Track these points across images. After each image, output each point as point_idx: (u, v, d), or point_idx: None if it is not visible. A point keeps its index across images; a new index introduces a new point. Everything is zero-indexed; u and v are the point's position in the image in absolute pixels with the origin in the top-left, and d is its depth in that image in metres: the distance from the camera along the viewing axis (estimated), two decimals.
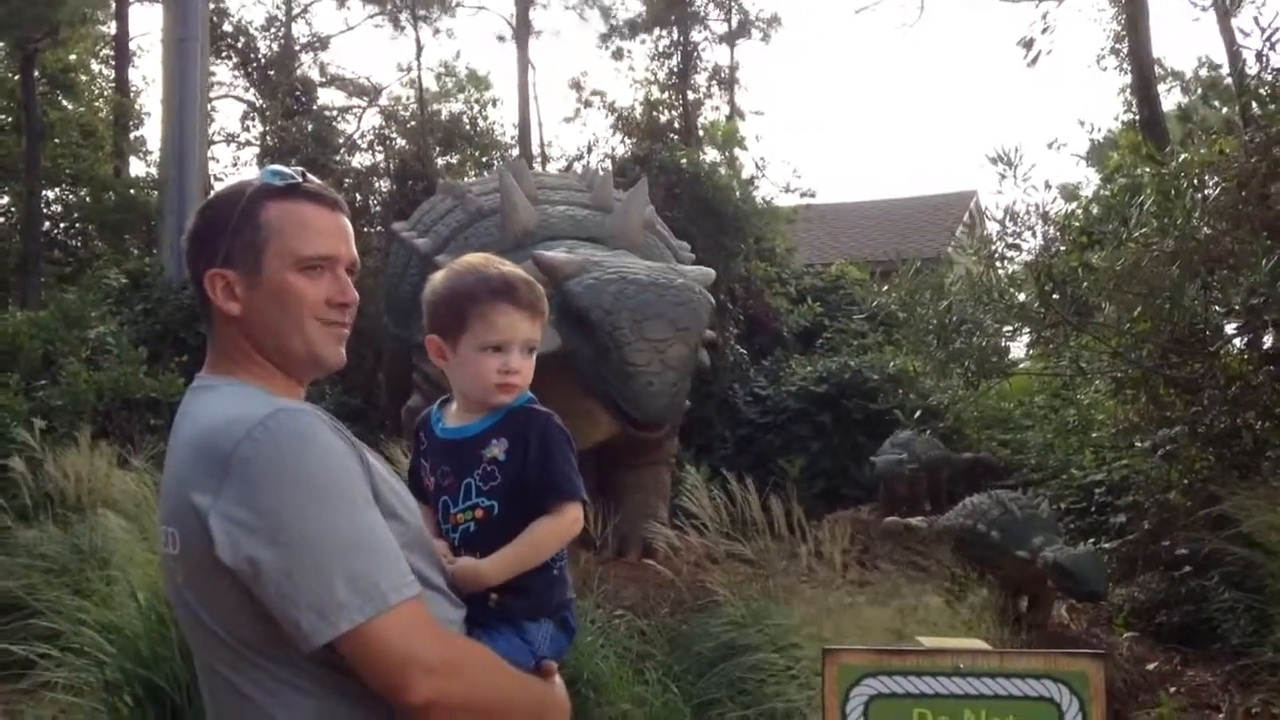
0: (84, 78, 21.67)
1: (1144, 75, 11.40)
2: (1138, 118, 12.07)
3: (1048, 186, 7.63)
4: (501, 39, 22.74)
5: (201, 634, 1.63)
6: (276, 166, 1.79)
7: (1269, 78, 6.79)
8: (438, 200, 8.53)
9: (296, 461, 1.53)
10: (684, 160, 13.39)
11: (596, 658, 4.69)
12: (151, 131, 21.93)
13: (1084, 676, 2.38)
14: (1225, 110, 6.66)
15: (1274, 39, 6.67)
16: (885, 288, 8.12)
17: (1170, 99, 10.57)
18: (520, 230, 6.81)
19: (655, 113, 18.78)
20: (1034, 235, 7.45)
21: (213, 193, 1.90)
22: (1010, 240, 7.62)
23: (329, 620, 1.49)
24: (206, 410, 1.64)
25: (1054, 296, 6.92)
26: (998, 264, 7.66)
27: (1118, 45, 10.75)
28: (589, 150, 17.30)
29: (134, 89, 20.98)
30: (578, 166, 15.93)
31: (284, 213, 1.72)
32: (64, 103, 20.18)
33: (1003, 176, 7.37)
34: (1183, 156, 7.12)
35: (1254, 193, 6.31)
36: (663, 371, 5.62)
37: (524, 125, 20.47)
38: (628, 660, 4.88)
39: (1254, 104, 6.50)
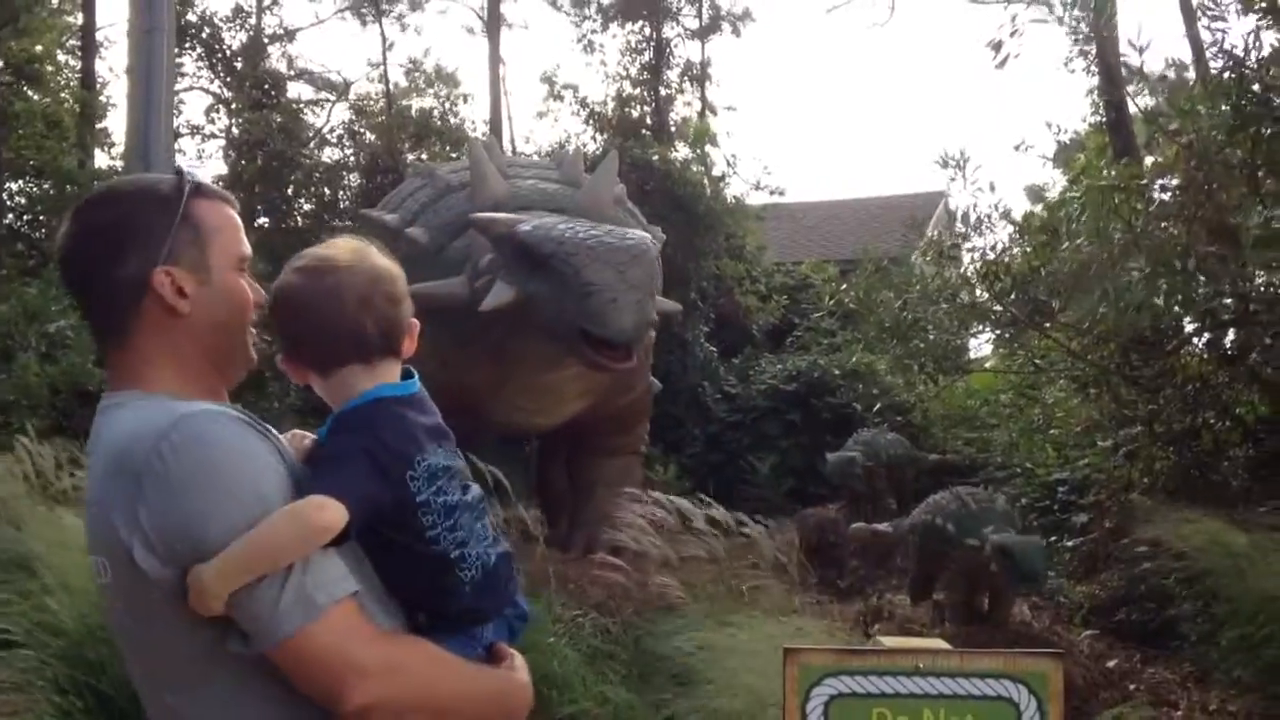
0: (50, 68, 21.38)
1: (1110, 75, 11.49)
2: (1104, 120, 12.17)
3: (992, 188, 7.74)
4: (470, 31, 22.59)
5: (146, 661, 1.57)
6: (186, 165, 1.75)
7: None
8: (407, 183, 8.47)
9: (210, 467, 1.45)
10: (656, 157, 13.40)
11: (559, 657, 4.68)
12: (117, 123, 21.68)
13: (1043, 677, 2.39)
14: (1175, 119, 6.71)
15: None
16: (844, 286, 8.18)
17: (1139, 101, 10.61)
18: (491, 201, 6.75)
19: (627, 108, 18.77)
20: (981, 235, 7.55)
21: (103, 188, 1.77)
22: (956, 240, 7.71)
23: (261, 634, 1.43)
24: (116, 428, 1.55)
25: (1011, 296, 7.00)
26: (949, 264, 7.73)
27: (1085, 48, 10.79)
28: (560, 147, 17.27)
29: (100, 80, 20.72)
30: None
31: (214, 211, 1.68)
32: (29, 93, 19.91)
33: (952, 179, 7.48)
34: (1123, 162, 7.22)
35: (1199, 196, 6.39)
36: (625, 290, 5.49)
37: (495, 120, 20.39)
38: (591, 659, 4.87)
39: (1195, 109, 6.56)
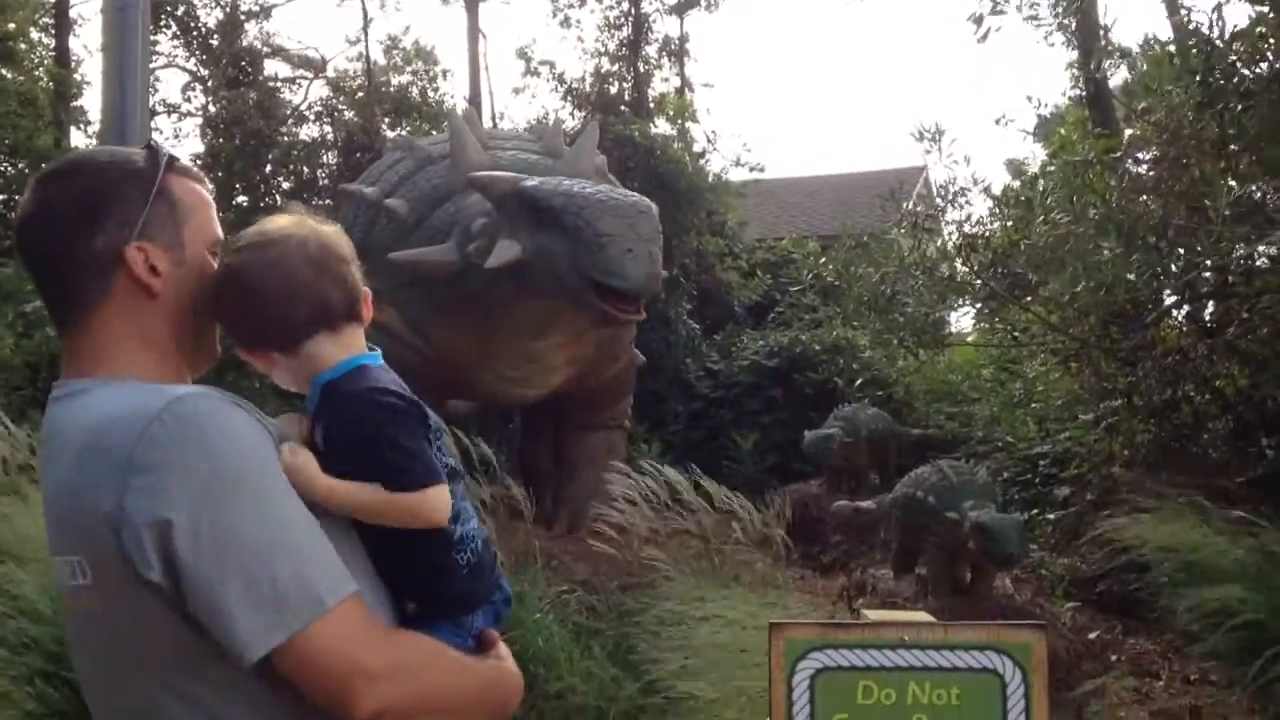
0: (23, 46, 21.12)
1: (1090, 50, 11.49)
2: (1084, 94, 12.19)
3: (967, 161, 7.77)
4: (445, 1, 22.31)
5: (128, 669, 1.44)
6: (158, 139, 1.67)
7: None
8: (386, 156, 8.42)
9: (206, 455, 1.35)
10: (636, 133, 13.35)
11: (545, 633, 4.70)
12: (92, 102, 21.50)
13: (1027, 648, 2.41)
14: (1145, 98, 6.75)
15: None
16: (824, 260, 8.20)
17: (1118, 74, 10.62)
18: (470, 171, 6.73)
19: (606, 84, 18.67)
20: (958, 208, 7.58)
21: (72, 158, 1.63)
22: (933, 213, 7.74)
23: (262, 634, 1.33)
24: (86, 415, 1.44)
25: (990, 270, 7.04)
26: (926, 237, 7.76)
27: (1065, 21, 10.79)
28: (539, 123, 17.17)
29: (75, 58, 20.48)
30: None
31: (189, 189, 1.60)
32: (2, 71, 19.67)
33: (928, 152, 7.51)
34: (1095, 132, 7.25)
35: (1174, 170, 6.43)
36: (637, 241, 5.42)
37: (475, 96, 20.26)
38: (577, 636, 4.89)
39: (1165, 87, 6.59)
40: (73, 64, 20.18)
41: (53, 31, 20.68)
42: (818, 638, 2.46)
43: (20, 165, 18.72)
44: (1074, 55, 11.31)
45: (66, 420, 1.47)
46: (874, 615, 2.69)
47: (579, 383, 7.07)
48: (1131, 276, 6.07)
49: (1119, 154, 7.01)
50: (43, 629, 4.27)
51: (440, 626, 1.57)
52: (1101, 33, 8.76)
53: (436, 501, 1.51)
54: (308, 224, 1.60)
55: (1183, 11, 6.91)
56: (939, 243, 7.74)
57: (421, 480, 1.50)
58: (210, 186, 1.66)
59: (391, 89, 19.34)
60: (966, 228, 7.45)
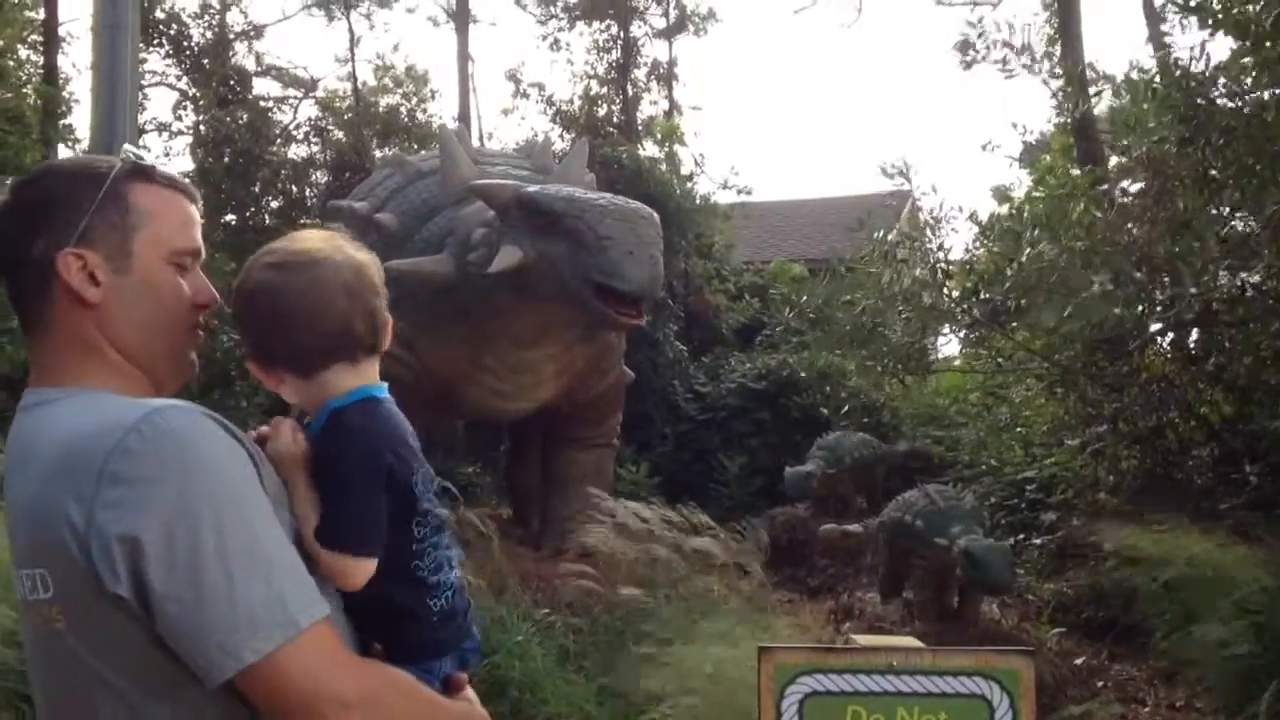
0: (11, 63, 21.10)
1: (1075, 79, 11.60)
2: (1069, 121, 12.30)
3: (935, 191, 7.81)
4: (434, 22, 22.38)
5: (88, 687, 1.38)
6: (131, 147, 1.58)
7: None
8: (376, 173, 8.44)
9: (182, 468, 1.31)
10: (625, 155, 13.40)
11: (528, 657, 4.67)
12: (81, 119, 21.38)
13: (1015, 674, 2.42)
14: (1127, 133, 6.82)
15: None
16: (804, 296, 8.21)
17: (1103, 103, 10.72)
18: (460, 186, 6.74)
19: (594, 107, 18.75)
20: (938, 237, 7.62)
21: (41, 166, 1.59)
22: (907, 243, 7.79)
23: (232, 653, 1.29)
24: (58, 425, 1.40)
25: (973, 298, 7.07)
26: (903, 267, 7.79)
27: (1050, 49, 10.89)
28: (529, 143, 17.21)
29: (64, 76, 20.44)
30: None
31: (154, 197, 1.53)
32: None
33: (898, 187, 7.56)
34: (1086, 169, 7.32)
35: (1159, 199, 6.49)
36: (639, 243, 5.43)
37: (464, 117, 20.30)
38: (562, 659, 4.86)
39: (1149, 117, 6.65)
40: (61, 81, 20.14)
41: (41, 49, 20.64)
42: (806, 662, 2.46)
43: (7, 181, 18.66)
44: (1059, 83, 11.42)
45: (33, 431, 1.43)
46: (863, 640, 2.70)
47: (568, 397, 7.06)
48: (1118, 310, 6.11)
49: (1105, 185, 7.07)
50: (20, 651, 4.23)
51: (407, 669, 1.54)
52: (1083, 69, 8.87)
53: (341, 568, 1.46)
54: (342, 247, 1.56)
55: (1166, 44, 7.00)
56: (918, 271, 7.77)
57: (338, 541, 1.46)
58: (194, 197, 1.60)
59: (381, 109, 19.36)
60: (947, 256, 7.48)
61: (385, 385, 1.60)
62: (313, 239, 1.57)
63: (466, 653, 1.68)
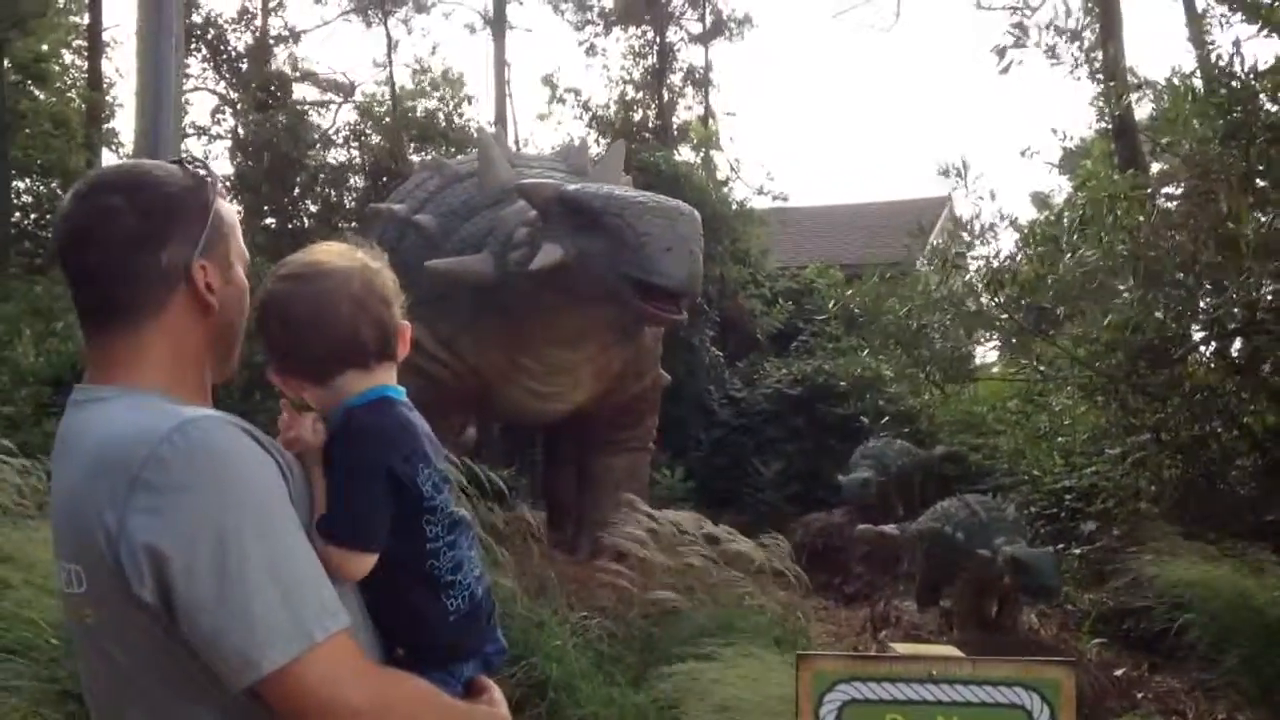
0: (56, 68, 21.42)
1: (1115, 84, 11.49)
2: (1109, 126, 12.18)
3: (993, 196, 7.74)
4: (471, 29, 22.51)
5: (116, 681, 1.45)
6: (198, 158, 1.65)
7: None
8: (415, 176, 8.50)
9: (213, 480, 1.36)
10: (661, 161, 13.41)
11: (567, 660, 4.68)
12: (124, 124, 21.72)
13: (1056, 684, 2.39)
14: (1168, 133, 6.73)
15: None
16: (849, 293, 8.17)
17: (1142, 108, 10.62)
18: (499, 188, 6.77)
19: (630, 112, 18.78)
20: (985, 243, 7.56)
21: (129, 168, 1.60)
22: (960, 249, 7.73)
23: (252, 662, 1.33)
24: (103, 425, 1.44)
25: (1016, 304, 7.01)
26: (954, 272, 7.74)
27: (1092, 54, 10.79)
28: (564, 146, 17.24)
29: (107, 81, 20.74)
30: None
31: (229, 209, 1.62)
32: (36, 92, 19.94)
33: (954, 188, 7.51)
34: (1130, 173, 7.23)
35: (1201, 204, 6.40)
36: (678, 240, 5.42)
37: (500, 122, 20.40)
38: (599, 663, 4.87)
39: (1195, 123, 6.56)
40: (104, 86, 20.42)
41: (85, 54, 20.94)
42: (845, 670, 2.44)
43: (53, 185, 18.95)
44: (1098, 89, 11.32)
45: (79, 428, 1.48)
46: (902, 649, 2.67)
47: (604, 399, 7.06)
48: (1160, 314, 6.04)
49: (1148, 190, 6.99)
50: (69, 647, 4.29)
51: (429, 674, 1.56)
52: (1125, 71, 8.77)
53: (337, 561, 1.49)
54: (357, 258, 1.62)
55: (1208, 45, 6.91)
56: (965, 277, 7.71)
57: (333, 534, 1.49)
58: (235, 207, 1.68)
59: (418, 114, 19.48)
60: (994, 263, 7.41)
61: (403, 390, 1.63)
62: (328, 251, 1.63)
63: (490, 656, 1.69)
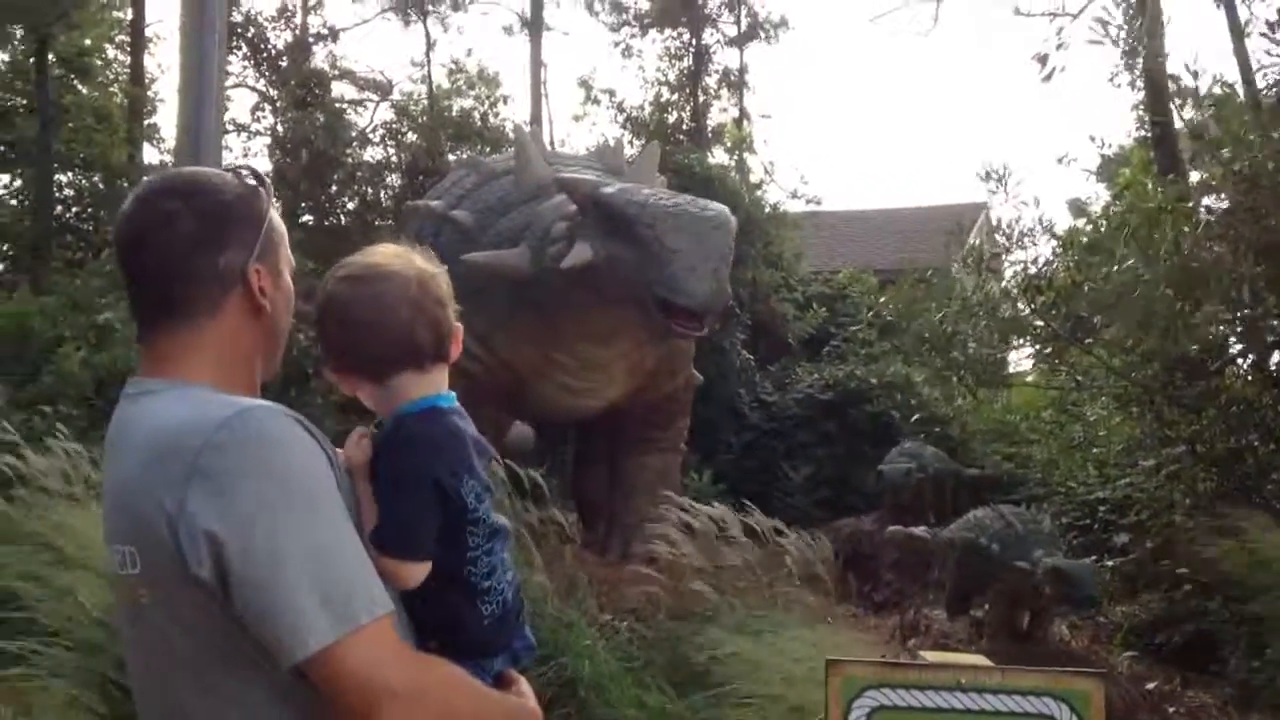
0: (99, 62, 21.69)
1: (1157, 91, 11.39)
2: (1149, 135, 12.06)
3: (1036, 203, 7.66)
4: (508, 30, 22.61)
5: (168, 661, 1.51)
6: (252, 166, 1.73)
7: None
8: (452, 173, 8.58)
9: (268, 466, 1.43)
10: (695, 164, 13.41)
11: (597, 660, 4.70)
12: (165, 119, 21.94)
13: (1085, 695, 2.40)
14: (1226, 144, 6.63)
15: None
16: (883, 298, 8.15)
17: (1185, 115, 10.51)
18: (535, 184, 6.83)
19: (665, 114, 18.79)
20: (1023, 248, 7.50)
21: (187, 176, 1.68)
22: (996, 252, 7.68)
23: (300, 640, 1.39)
24: (158, 416, 1.51)
25: (1052, 311, 6.96)
26: (990, 276, 7.69)
27: (1132, 61, 10.70)
28: (600, 146, 17.26)
29: (149, 76, 20.97)
30: None
31: (278, 217, 1.70)
32: (79, 87, 20.20)
33: (993, 193, 7.46)
34: (1169, 178, 7.15)
35: (1246, 218, 6.33)
36: (704, 258, 5.49)
37: (535, 123, 20.46)
38: (628, 663, 4.89)
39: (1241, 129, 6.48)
40: (146, 82, 20.65)
41: (127, 49, 21.19)
42: (875, 676, 2.46)
43: (95, 179, 19.17)
44: (1139, 96, 11.22)
45: (134, 419, 1.55)
46: (932, 657, 2.68)
47: (637, 397, 7.09)
48: (1197, 321, 5.98)
49: (1189, 202, 6.92)
50: (111, 634, 4.35)
51: (461, 664, 1.60)
52: (1165, 80, 8.67)
53: (393, 571, 1.55)
54: (412, 261, 1.67)
55: (1271, 56, 6.82)
56: (1002, 283, 7.67)
57: (387, 546, 1.55)
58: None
59: (454, 113, 19.58)
60: (1031, 269, 7.36)
61: (453, 395, 1.68)
62: (385, 253, 1.68)
63: (519, 652, 1.74)
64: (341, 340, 1.64)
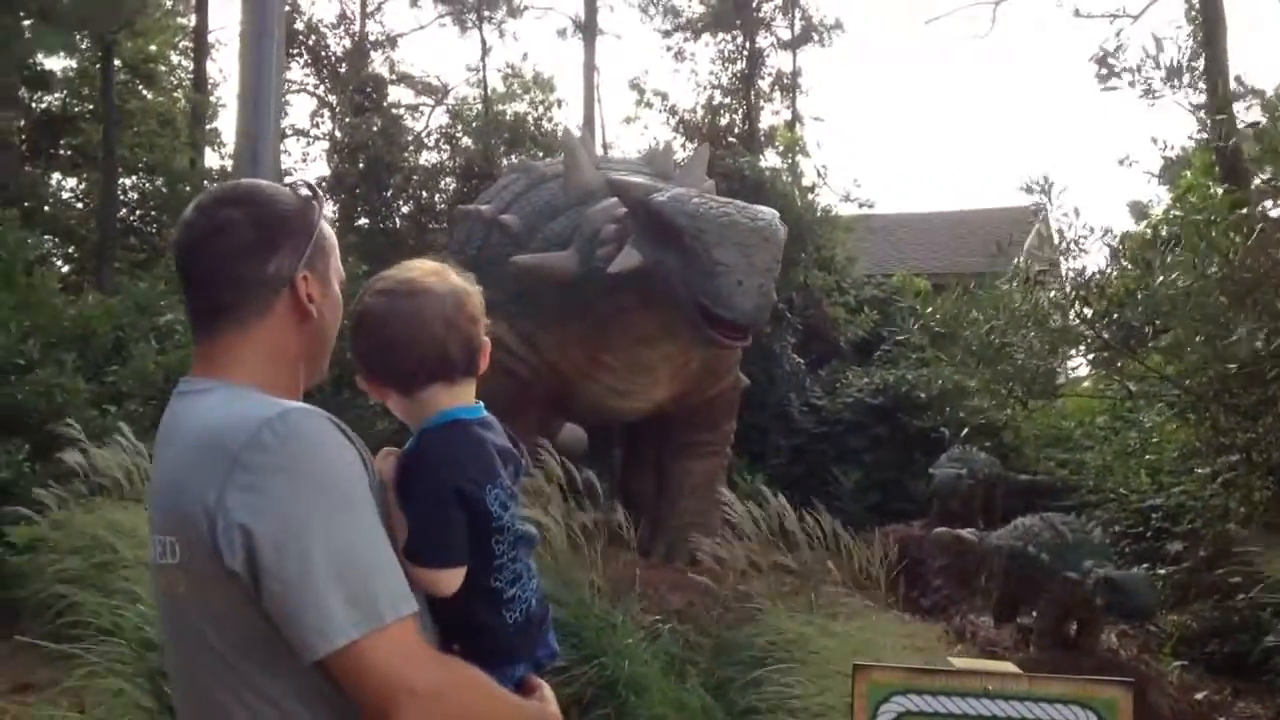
0: (163, 68, 22.15)
1: (1219, 93, 11.18)
2: (1211, 139, 11.83)
3: (1077, 213, 7.53)
4: (562, 34, 22.76)
5: (200, 652, 1.56)
6: (309, 180, 1.82)
7: None
8: (503, 178, 8.67)
9: (305, 465, 1.49)
10: (746, 167, 13.41)
11: (639, 661, 4.74)
12: (227, 124, 22.37)
13: (1113, 704, 2.39)
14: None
15: None
16: (930, 309, 8.09)
17: (1249, 117, 10.30)
18: (583, 189, 6.90)
19: (717, 117, 18.79)
20: (1074, 258, 7.40)
21: (249, 186, 1.77)
22: (1045, 266, 7.57)
23: (325, 635, 1.45)
24: (205, 412, 1.58)
25: (1104, 320, 6.87)
26: (1038, 288, 7.60)
27: (1193, 63, 10.51)
28: (650, 150, 17.29)
29: (211, 81, 21.39)
30: None
31: (329, 230, 1.78)
32: (143, 92, 20.65)
33: (1037, 206, 7.37)
34: (1224, 188, 7.02)
35: None
36: (750, 272, 5.52)
37: (588, 126, 20.57)
38: (671, 665, 4.92)
39: None
40: (209, 87, 21.04)
41: (190, 55, 21.60)
42: (901, 682, 2.47)
43: (158, 183, 19.58)
44: (1201, 99, 11.02)
45: (186, 414, 1.62)
46: (959, 663, 2.69)
47: (683, 399, 7.12)
48: (1246, 330, 5.88)
49: (1245, 211, 6.79)
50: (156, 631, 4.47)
51: (482, 670, 1.64)
52: (1227, 84, 8.51)
53: (430, 580, 1.61)
54: (448, 277, 1.74)
55: None
56: (1053, 294, 7.57)
57: (420, 557, 1.60)
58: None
59: (508, 118, 19.75)
60: (1079, 278, 7.26)
61: (480, 406, 1.73)
62: (422, 269, 1.75)
63: (542, 659, 1.79)
64: (375, 352, 1.71)
